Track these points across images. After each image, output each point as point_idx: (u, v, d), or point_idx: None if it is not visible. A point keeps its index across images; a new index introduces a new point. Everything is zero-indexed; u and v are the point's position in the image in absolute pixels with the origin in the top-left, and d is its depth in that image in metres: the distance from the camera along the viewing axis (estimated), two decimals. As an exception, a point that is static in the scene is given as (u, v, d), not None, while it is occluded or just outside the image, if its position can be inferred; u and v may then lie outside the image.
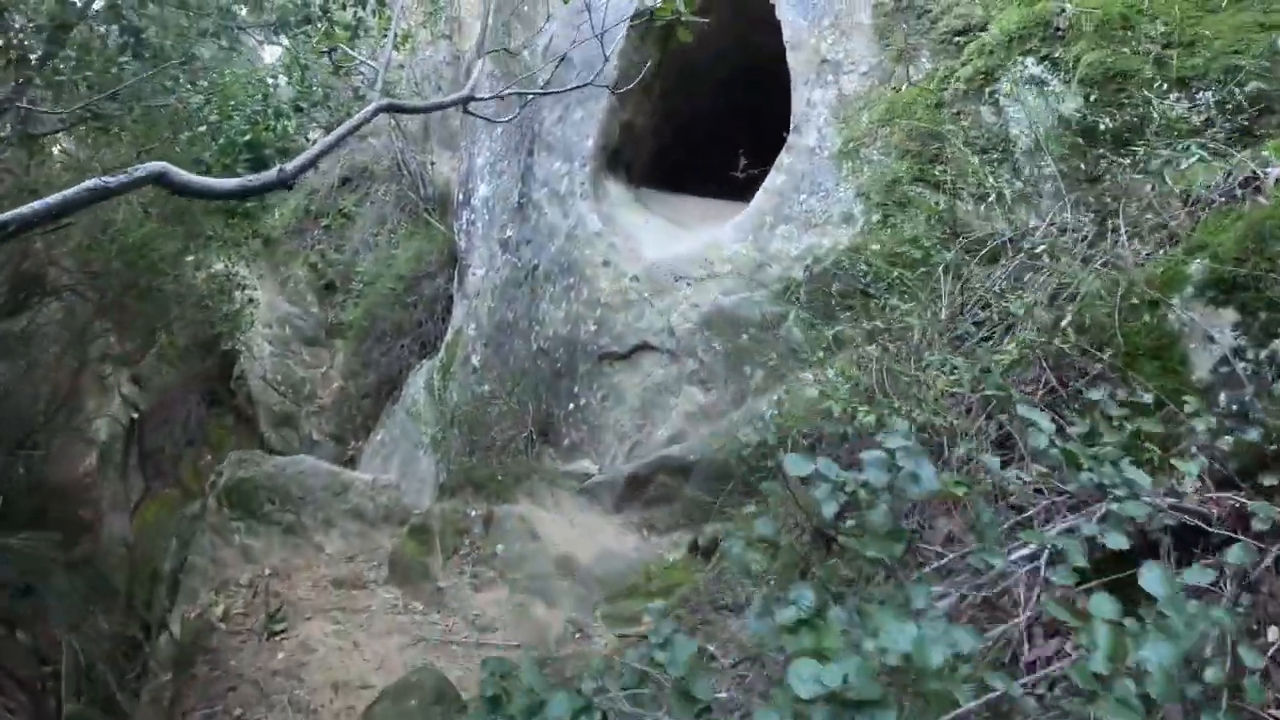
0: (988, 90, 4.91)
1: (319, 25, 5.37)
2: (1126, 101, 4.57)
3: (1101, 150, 4.55)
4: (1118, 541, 2.36)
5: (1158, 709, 1.81)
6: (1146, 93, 4.50)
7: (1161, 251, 4.15)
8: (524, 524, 6.24)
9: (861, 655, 1.68)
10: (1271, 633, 2.36)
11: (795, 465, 2.04)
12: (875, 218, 5.13)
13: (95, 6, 6.41)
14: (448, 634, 5.69)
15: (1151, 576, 1.92)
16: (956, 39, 5.21)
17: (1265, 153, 3.61)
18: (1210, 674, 1.86)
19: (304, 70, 7.42)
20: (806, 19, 5.78)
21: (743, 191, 7.34)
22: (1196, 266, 3.89)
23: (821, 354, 4.79)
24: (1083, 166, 4.56)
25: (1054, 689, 2.18)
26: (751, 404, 5.59)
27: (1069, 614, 2.01)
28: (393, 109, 3.64)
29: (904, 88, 5.28)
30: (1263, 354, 2.89)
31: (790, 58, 5.86)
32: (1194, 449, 2.76)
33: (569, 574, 5.75)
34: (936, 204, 4.77)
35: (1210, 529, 2.55)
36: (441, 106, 3.99)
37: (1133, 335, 3.70)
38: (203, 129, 5.29)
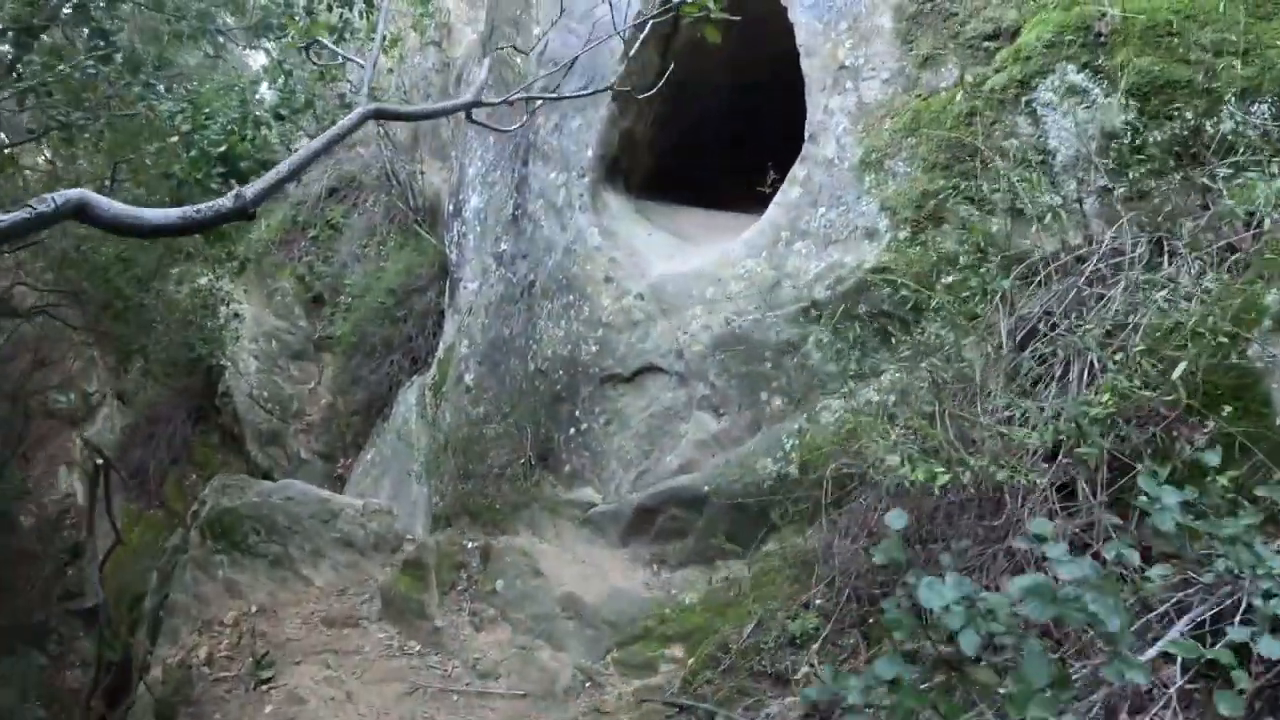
0: (1024, 99, 4.47)
1: (300, 23, 4.87)
2: (1176, 113, 4.14)
3: (1150, 165, 4.12)
4: (1275, 649, 1.91)
5: None
6: (1198, 105, 4.08)
7: (1227, 275, 3.74)
8: (525, 558, 5.76)
9: None
10: None
11: (931, 594, 1.57)
12: (903, 234, 4.67)
13: (65, 10, 5.89)
14: (447, 680, 5.20)
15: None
16: (986, 44, 4.76)
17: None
18: None
19: (287, 76, 6.89)
20: (822, 22, 5.32)
21: (748, 204, 6.88)
22: (1275, 297, 3.47)
23: (851, 383, 4.33)
24: (1129, 182, 4.12)
25: None
26: (768, 432, 5.12)
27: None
28: (382, 115, 3.15)
29: (930, 96, 4.83)
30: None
31: (804, 63, 5.40)
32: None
33: (575, 614, 5.27)
34: (971, 220, 4.32)
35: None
36: (444, 112, 3.51)
37: (1207, 373, 3.27)
38: (174, 139, 4.76)
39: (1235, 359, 3.25)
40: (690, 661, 4.23)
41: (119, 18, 6.05)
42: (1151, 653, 2.11)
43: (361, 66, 3.19)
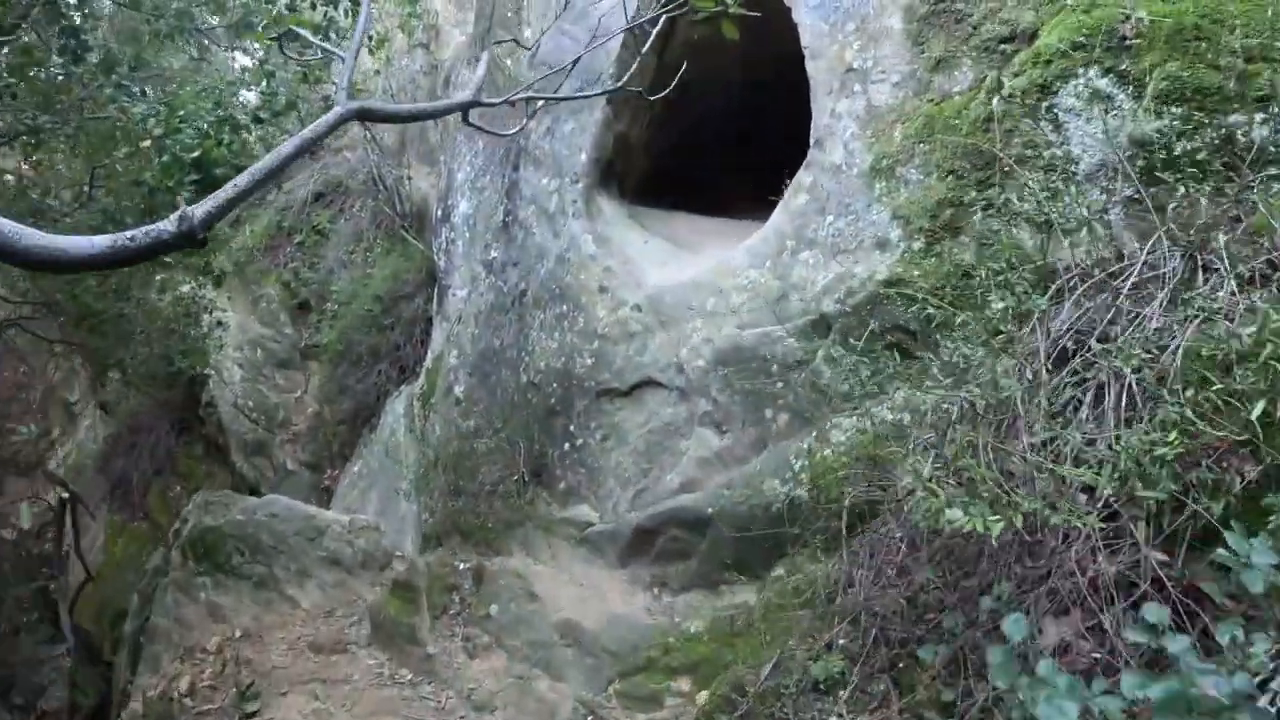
0: (1044, 105, 4.17)
1: (276, 14, 4.49)
2: (1208, 122, 3.85)
3: (1180, 175, 3.83)
4: None
5: None
6: (1230, 112, 3.79)
7: (1267, 291, 3.45)
8: (519, 580, 5.43)
9: None
10: None
11: (1052, 711, 1.25)
12: (917, 245, 4.36)
13: (35, 9, 5.48)
14: (441, 713, 4.87)
15: None
16: (1002, 46, 4.45)
17: None
18: None
19: (270, 77, 6.49)
20: (828, 23, 5.00)
21: (747, 209, 6.56)
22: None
23: (867, 403, 4.02)
24: (1159, 193, 3.83)
25: None
26: (774, 451, 4.81)
27: None
28: (366, 115, 2.77)
29: (944, 100, 4.52)
30: None
31: (810, 65, 5.08)
32: None
33: (574, 641, 4.94)
34: (994, 232, 4.02)
35: None
36: (438, 113, 3.14)
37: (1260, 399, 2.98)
38: (147, 143, 4.37)
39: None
40: (702, 701, 3.90)
41: (93, 15, 5.64)
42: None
43: (342, 60, 2.82)
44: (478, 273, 7.52)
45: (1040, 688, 1.34)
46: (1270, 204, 3.60)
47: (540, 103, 3.72)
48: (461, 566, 5.78)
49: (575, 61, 3.54)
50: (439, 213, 8.50)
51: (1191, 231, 3.76)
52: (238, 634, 5.89)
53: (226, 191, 1.73)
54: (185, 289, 8.92)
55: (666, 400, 5.48)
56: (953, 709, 2.67)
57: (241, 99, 6.83)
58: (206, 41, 7.71)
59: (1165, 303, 3.50)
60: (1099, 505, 2.94)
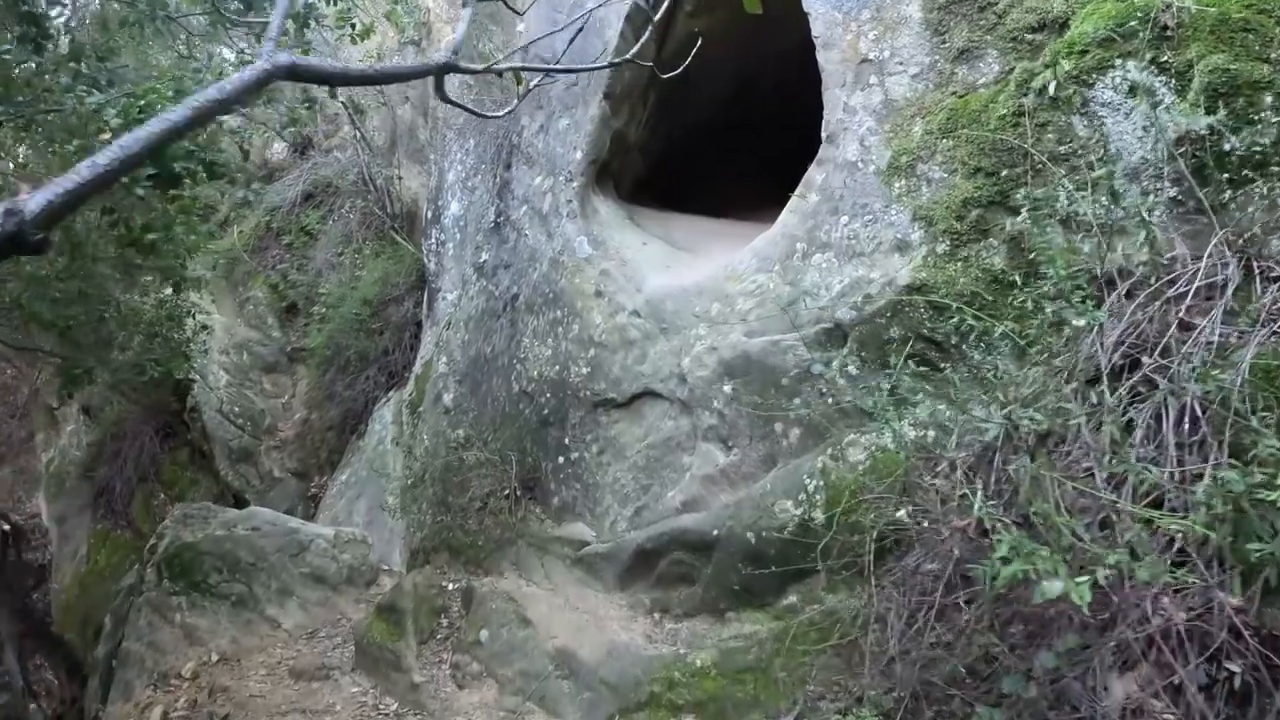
0: (1078, 98, 3.76)
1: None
2: (1257, 118, 3.45)
3: (1229, 174, 3.43)
4: None
5: None
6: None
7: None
8: (511, 604, 5.00)
9: None
10: None
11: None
12: (940, 248, 3.96)
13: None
14: (426, 750, 4.43)
15: None
16: (1030, 36, 4.05)
17: None
18: None
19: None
20: (841, 11, 4.59)
21: (749, 209, 6.16)
22: None
23: (889, 420, 3.61)
24: (1207, 193, 3.44)
25: None
26: (785, 468, 4.39)
27: None
28: (298, 74, 2.09)
29: (968, 93, 4.11)
30: None
31: (821, 56, 4.66)
32: None
33: (569, 673, 4.52)
34: (1031, 234, 3.61)
35: None
36: (404, 77, 2.63)
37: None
38: (106, 136, 3.92)
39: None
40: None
41: (59, 2, 5.19)
42: None
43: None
44: (468, 275, 7.10)
45: None
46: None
47: (532, 83, 3.27)
48: (450, 587, 5.36)
49: (569, 44, 3.10)
50: (429, 213, 8.07)
51: (1242, 236, 3.37)
52: (214, 658, 5.45)
53: (75, 177, 1.31)
54: (168, 291, 8.44)
55: (668, 412, 5.07)
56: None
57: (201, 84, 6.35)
58: (191, 34, 7.23)
59: (1224, 313, 3.11)
60: (1165, 543, 2.55)
